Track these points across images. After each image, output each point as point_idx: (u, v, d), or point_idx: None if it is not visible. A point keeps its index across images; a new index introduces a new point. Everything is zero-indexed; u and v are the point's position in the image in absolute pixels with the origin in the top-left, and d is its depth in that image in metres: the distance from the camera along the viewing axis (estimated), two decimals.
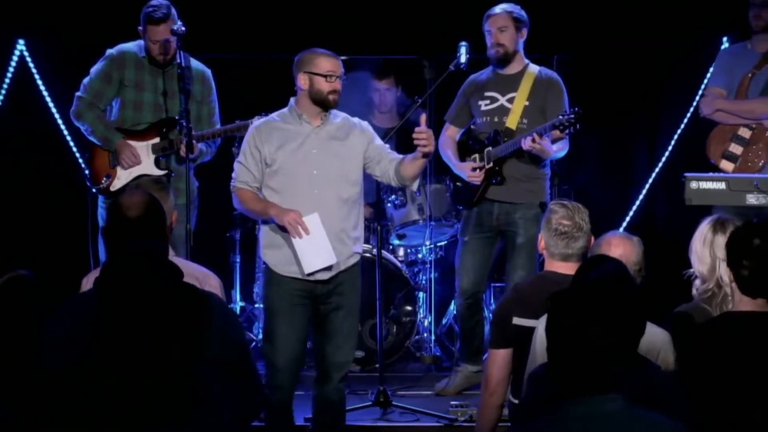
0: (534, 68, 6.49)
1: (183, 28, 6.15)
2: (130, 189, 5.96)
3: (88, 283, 4.02)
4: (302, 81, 5.34)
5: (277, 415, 5.30)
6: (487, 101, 6.48)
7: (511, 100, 6.43)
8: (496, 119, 6.45)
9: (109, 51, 6.44)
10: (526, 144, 6.11)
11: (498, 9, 6.43)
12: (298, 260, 5.23)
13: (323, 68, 5.32)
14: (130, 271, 2.63)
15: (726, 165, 6.35)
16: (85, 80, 6.43)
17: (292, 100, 5.42)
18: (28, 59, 7.81)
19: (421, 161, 5.34)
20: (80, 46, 7.23)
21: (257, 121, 5.49)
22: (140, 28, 6.32)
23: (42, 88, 7.82)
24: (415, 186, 5.49)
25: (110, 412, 2.53)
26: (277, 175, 5.29)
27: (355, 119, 5.52)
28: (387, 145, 5.52)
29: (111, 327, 2.57)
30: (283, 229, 5.25)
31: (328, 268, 5.26)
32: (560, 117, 6.07)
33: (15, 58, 7.78)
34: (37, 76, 7.82)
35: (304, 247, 5.20)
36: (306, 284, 5.28)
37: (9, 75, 7.77)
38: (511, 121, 6.39)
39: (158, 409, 2.55)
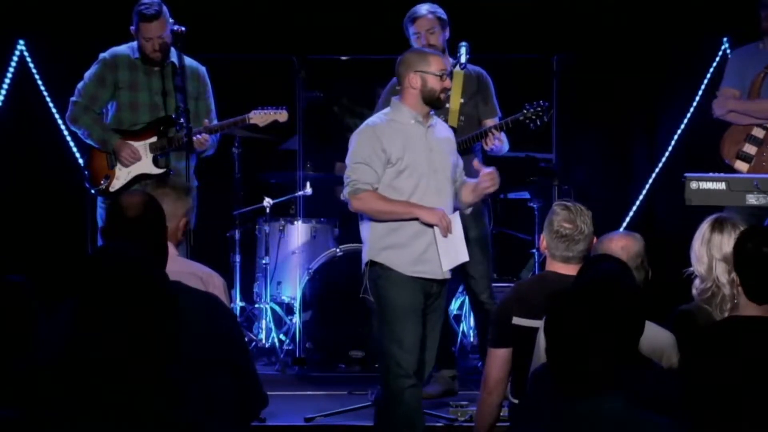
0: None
1: (182, 28, 6.15)
2: (133, 189, 6.01)
3: None
4: (413, 80, 5.26)
5: (414, 413, 5.20)
6: None
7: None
8: None
9: (102, 54, 6.44)
10: (490, 143, 6.12)
11: (423, 11, 6.37)
12: (425, 258, 5.19)
13: (436, 67, 5.28)
14: (101, 271, 2.64)
15: (741, 165, 6.33)
16: (80, 85, 6.42)
17: (395, 99, 5.36)
18: (28, 59, 7.82)
19: (482, 195, 5.40)
20: (80, 47, 7.22)
21: (368, 122, 5.35)
22: (132, 27, 6.31)
23: (42, 88, 7.83)
24: (468, 211, 5.52)
25: (81, 412, 2.54)
26: (402, 174, 5.22)
27: (444, 124, 5.60)
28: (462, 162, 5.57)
29: (78, 327, 2.59)
30: (396, 229, 5.19)
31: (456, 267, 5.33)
32: (526, 111, 6.04)
33: (15, 58, 7.79)
34: (37, 76, 7.83)
35: (447, 245, 5.20)
36: (424, 284, 5.23)
37: (9, 75, 7.77)
38: (452, 120, 6.36)
39: (127, 411, 2.56)
